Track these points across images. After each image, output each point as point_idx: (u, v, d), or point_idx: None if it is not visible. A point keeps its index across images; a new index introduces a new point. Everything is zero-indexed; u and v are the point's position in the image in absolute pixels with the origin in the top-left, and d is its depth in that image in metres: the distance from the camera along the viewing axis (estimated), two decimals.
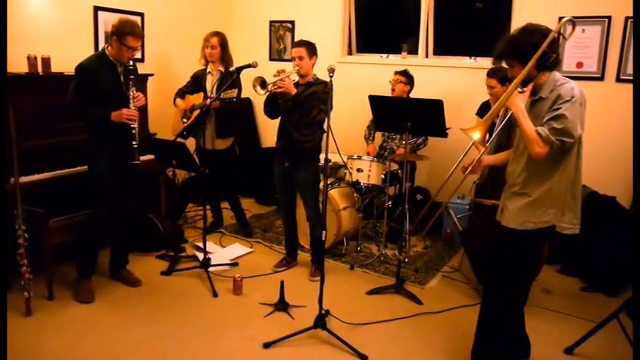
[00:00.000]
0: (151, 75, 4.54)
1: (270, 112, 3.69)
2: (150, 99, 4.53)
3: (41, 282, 3.29)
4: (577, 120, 2.16)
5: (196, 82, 4.39)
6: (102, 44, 3.83)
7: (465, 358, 2.72)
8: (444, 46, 5.07)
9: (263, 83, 3.37)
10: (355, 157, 4.28)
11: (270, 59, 5.78)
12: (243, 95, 4.18)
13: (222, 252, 4.21)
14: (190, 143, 3.94)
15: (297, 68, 3.53)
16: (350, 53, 5.54)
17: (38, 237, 3.21)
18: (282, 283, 3.35)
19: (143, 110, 4.36)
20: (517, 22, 4.41)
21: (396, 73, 4.53)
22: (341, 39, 5.40)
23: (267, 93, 3.44)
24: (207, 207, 4.23)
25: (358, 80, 5.22)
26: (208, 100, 3.97)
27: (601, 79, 4.14)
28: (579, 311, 3.37)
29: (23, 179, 3.26)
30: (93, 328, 3.03)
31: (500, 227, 2.45)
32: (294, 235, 4.04)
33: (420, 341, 3.02)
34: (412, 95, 4.55)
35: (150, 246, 4.12)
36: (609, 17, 4.05)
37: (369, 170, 4.18)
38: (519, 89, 2.28)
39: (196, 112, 4.19)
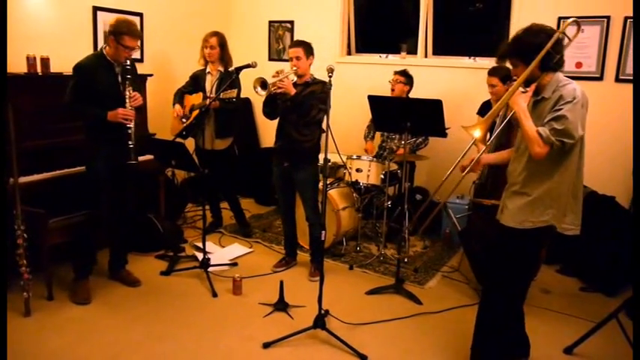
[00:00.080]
0: (150, 75, 4.54)
1: (269, 113, 3.69)
2: (149, 99, 4.55)
3: (40, 282, 3.29)
4: (578, 121, 2.16)
5: (195, 83, 4.38)
6: (101, 44, 3.83)
7: (464, 357, 2.72)
8: (443, 46, 5.07)
9: (264, 84, 3.37)
10: (354, 157, 4.28)
11: (270, 59, 5.78)
12: (242, 95, 4.18)
13: (222, 252, 4.21)
14: (190, 143, 3.94)
15: (294, 68, 3.53)
16: (349, 53, 5.54)
17: (37, 237, 3.20)
18: (281, 283, 3.35)
19: (142, 110, 4.37)
20: (516, 22, 4.42)
21: (396, 73, 4.54)
22: (340, 39, 5.40)
23: (268, 94, 3.44)
24: (207, 207, 4.23)
25: (357, 80, 5.22)
26: (208, 101, 3.96)
27: (600, 79, 4.14)
28: (578, 311, 3.37)
29: (22, 179, 3.26)
30: (92, 328, 3.03)
31: (499, 226, 2.45)
32: (294, 235, 4.04)
33: (420, 341, 3.02)
34: (411, 95, 4.55)
35: (149, 246, 4.12)
36: (608, 17, 4.05)
37: (369, 170, 4.18)
38: (522, 89, 2.28)
39: (195, 112, 4.19)
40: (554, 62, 2.23)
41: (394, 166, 4.35)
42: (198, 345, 2.90)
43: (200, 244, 3.87)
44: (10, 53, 3.17)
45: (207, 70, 4.34)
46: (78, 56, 3.25)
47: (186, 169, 4.23)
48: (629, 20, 3.97)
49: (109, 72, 3.22)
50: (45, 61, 3.82)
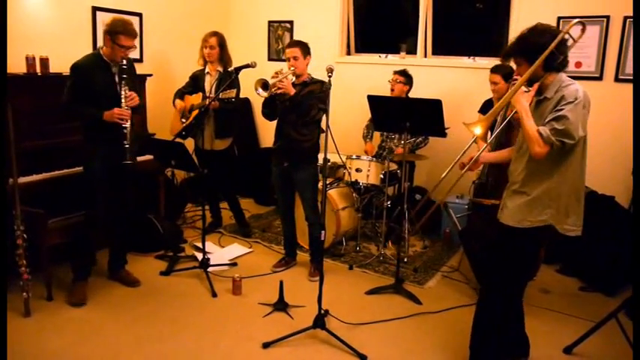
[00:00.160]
0: (150, 75, 4.54)
1: (268, 114, 3.70)
2: (148, 99, 4.55)
3: (40, 283, 3.29)
4: (579, 122, 2.17)
5: (195, 83, 4.38)
6: (100, 44, 3.84)
7: (464, 357, 2.72)
8: (442, 46, 5.07)
9: (265, 85, 3.37)
10: (354, 156, 4.28)
11: (269, 59, 5.78)
12: (241, 95, 4.18)
13: (221, 252, 4.21)
14: (189, 143, 3.93)
15: (292, 69, 3.53)
16: (349, 53, 5.54)
17: (37, 237, 3.20)
18: (281, 283, 3.35)
19: (142, 110, 4.37)
20: (516, 22, 4.42)
21: (395, 72, 4.53)
22: (340, 39, 5.40)
23: (269, 95, 3.44)
24: (206, 207, 4.22)
25: (357, 80, 5.22)
26: (207, 101, 3.96)
27: (599, 78, 4.14)
28: (578, 311, 3.37)
29: (22, 180, 3.26)
30: (92, 328, 3.02)
31: (499, 225, 2.46)
32: (293, 235, 4.04)
33: (420, 341, 3.02)
34: (411, 95, 4.55)
35: (149, 246, 4.12)
36: (608, 17, 4.05)
37: (368, 170, 4.18)
38: (525, 88, 2.29)
39: (195, 113, 4.19)
40: (557, 62, 2.23)
41: (394, 166, 4.35)
42: (198, 345, 2.90)
43: (200, 244, 3.87)
44: (9, 53, 3.16)
45: (207, 70, 4.34)
46: (77, 56, 3.25)
47: (186, 169, 4.22)
48: (628, 20, 3.97)
49: (106, 72, 3.22)
50: (44, 62, 3.82)
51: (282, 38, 5.70)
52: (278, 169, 3.73)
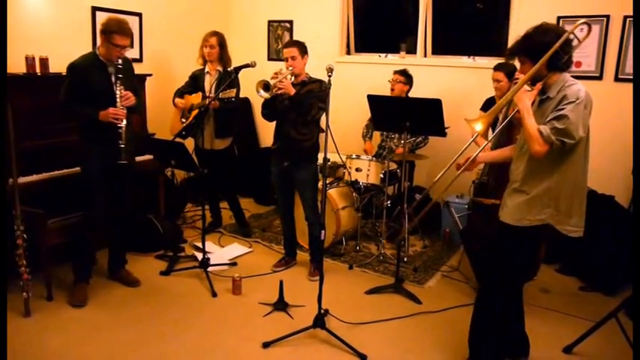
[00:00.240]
0: (150, 75, 4.54)
1: (268, 115, 3.70)
2: (148, 99, 4.55)
3: (40, 282, 3.29)
4: (579, 122, 2.17)
5: (194, 82, 4.38)
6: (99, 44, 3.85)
7: (463, 357, 2.72)
8: (442, 46, 5.07)
9: (266, 86, 3.37)
10: (354, 156, 4.28)
11: (269, 59, 5.78)
12: (241, 95, 4.18)
13: (221, 252, 4.21)
14: (189, 143, 3.94)
15: (290, 68, 3.53)
16: (348, 53, 5.54)
17: (37, 237, 3.20)
18: (281, 282, 3.35)
19: (141, 110, 4.37)
20: (515, 22, 4.42)
21: (396, 72, 4.53)
22: (339, 38, 5.40)
23: (271, 96, 3.43)
24: (206, 207, 4.22)
25: (357, 80, 5.22)
26: (207, 100, 3.96)
27: (599, 78, 4.14)
28: (578, 310, 3.37)
29: (22, 180, 3.26)
30: (92, 328, 3.03)
31: (499, 223, 2.46)
32: (293, 235, 4.04)
33: (420, 340, 3.02)
34: (410, 95, 4.55)
35: (149, 246, 4.12)
36: (608, 16, 4.05)
37: (368, 170, 4.18)
38: (528, 87, 2.29)
39: (195, 112, 4.19)
40: (562, 62, 2.24)
41: (393, 166, 4.35)
42: (198, 345, 2.90)
43: (200, 244, 3.87)
44: (9, 53, 3.16)
45: (206, 69, 4.34)
46: (77, 56, 3.25)
47: (186, 169, 4.23)
48: (628, 19, 3.97)
49: (102, 72, 3.21)
50: (44, 62, 3.82)
51: (281, 38, 5.70)
52: (278, 169, 3.73)
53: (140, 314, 3.20)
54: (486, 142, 3.01)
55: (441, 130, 3.68)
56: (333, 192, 4.24)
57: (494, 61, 4.31)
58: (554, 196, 2.31)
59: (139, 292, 3.50)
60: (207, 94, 4.21)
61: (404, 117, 3.60)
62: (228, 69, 4.23)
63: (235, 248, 4.31)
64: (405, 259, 4.09)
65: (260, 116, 3.80)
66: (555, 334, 3.07)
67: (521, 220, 2.36)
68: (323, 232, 2.96)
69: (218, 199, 4.77)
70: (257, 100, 4.03)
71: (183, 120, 4.30)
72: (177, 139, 3.71)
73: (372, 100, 3.86)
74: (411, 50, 5.14)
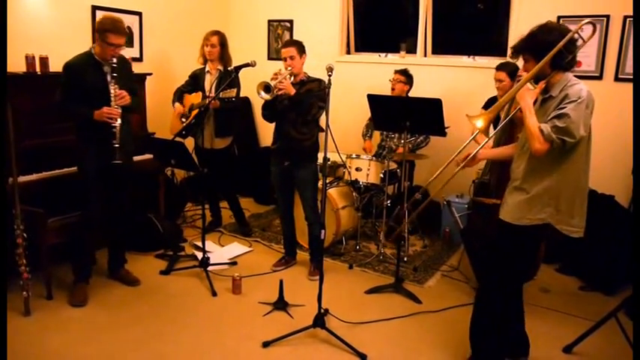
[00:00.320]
0: (150, 74, 4.54)
1: (268, 116, 3.70)
2: (148, 98, 4.54)
3: (39, 282, 3.29)
4: (580, 121, 2.17)
5: (195, 81, 4.38)
6: None
7: (463, 356, 2.72)
8: (442, 45, 5.07)
9: (267, 88, 3.37)
10: (354, 156, 4.28)
11: (269, 58, 5.78)
12: (242, 95, 4.18)
13: (221, 251, 4.21)
14: (189, 142, 3.94)
15: (289, 68, 3.53)
16: (348, 52, 5.54)
17: (37, 237, 3.20)
18: (281, 282, 3.35)
19: (141, 110, 4.37)
20: (515, 21, 4.42)
21: (396, 72, 4.53)
22: (339, 38, 5.40)
23: (272, 97, 3.43)
24: (206, 206, 4.23)
25: (357, 79, 5.22)
26: (207, 100, 3.96)
27: (599, 78, 4.14)
28: (578, 310, 3.38)
29: (21, 179, 3.26)
30: (92, 327, 3.02)
31: (499, 222, 2.46)
32: (293, 234, 4.04)
33: (419, 340, 3.02)
34: (410, 94, 4.55)
35: (149, 245, 4.12)
36: (608, 16, 4.05)
37: (368, 169, 4.18)
38: (531, 85, 2.29)
39: (195, 112, 4.19)
40: (565, 61, 2.24)
41: (394, 165, 4.36)
42: (198, 344, 2.91)
43: (199, 244, 3.87)
44: (9, 53, 3.16)
45: (207, 68, 4.34)
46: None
47: (186, 169, 4.23)
48: (628, 19, 3.97)
49: (97, 71, 3.21)
50: (44, 61, 3.81)
51: (281, 37, 5.69)
52: (278, 169, 3.73)
53: (140, 314, 3.20)
54: (487, 139, 3.01)
55: (441, 130, 3.68)
56: (333, 191, 4.24)
57: (495, 60, 4.30)
58: (555, 195, 2.31)
59: (138, 292, 3.50)
60: (208, 94, 4.21)
61: (404, 117, 3.60)
62: (229, 68, 4.23)
63: (235, 248, 4.31)
64: (405, 259, 4.09)
65: (260, 116, 3.80)
66: (555, 333, 3.07)
67: (521, 219, 2.36)
68: (323, 231, 2.96)
69: (218, 198, 4.77)
70: (257, 99, 4.03)
71: (184, 120, 4.29)
72: (177, 139, 3.71)
73: (372, 99, 3.86)
74: (411, 50, 5.14)
